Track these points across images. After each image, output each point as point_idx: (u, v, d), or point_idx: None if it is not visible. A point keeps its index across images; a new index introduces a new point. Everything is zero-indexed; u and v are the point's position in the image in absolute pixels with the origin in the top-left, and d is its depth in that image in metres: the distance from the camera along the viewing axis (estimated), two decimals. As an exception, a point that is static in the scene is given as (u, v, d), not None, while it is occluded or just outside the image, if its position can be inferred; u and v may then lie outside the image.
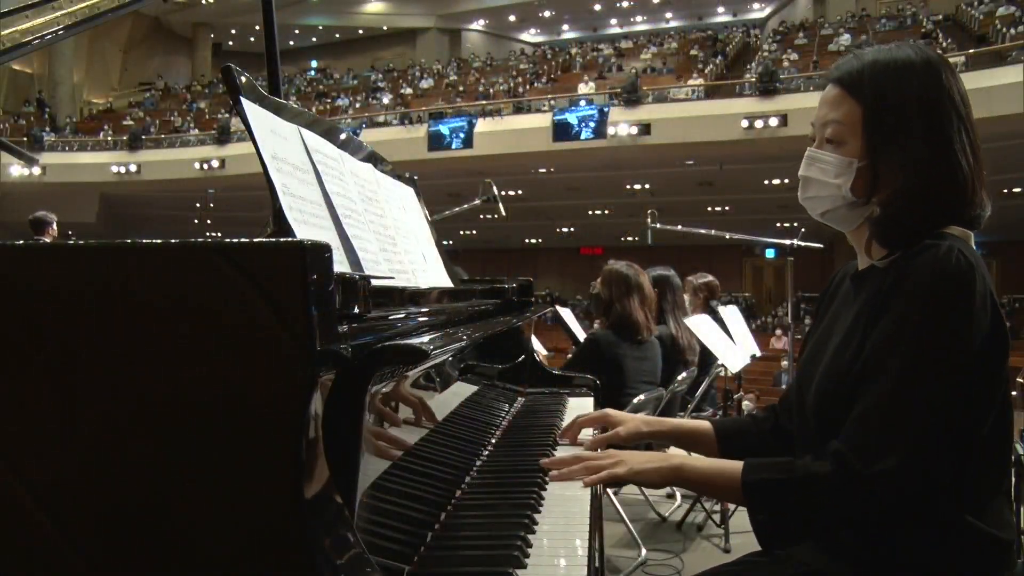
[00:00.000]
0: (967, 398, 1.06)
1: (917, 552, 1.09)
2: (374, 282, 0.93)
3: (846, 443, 1.06)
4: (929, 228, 1.14)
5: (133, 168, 19.33)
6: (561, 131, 16.12)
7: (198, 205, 20.45)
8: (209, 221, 22.03)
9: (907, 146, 1.14)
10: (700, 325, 3.81)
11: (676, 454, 1.27)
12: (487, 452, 1.50)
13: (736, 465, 1.17)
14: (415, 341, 0.87)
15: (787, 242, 4.62)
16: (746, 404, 4.03)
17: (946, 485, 1.07)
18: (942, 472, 1.05)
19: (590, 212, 20.42)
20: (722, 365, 3.88)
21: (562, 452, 1.47)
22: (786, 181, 14.42)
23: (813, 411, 1.20)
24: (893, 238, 1.17)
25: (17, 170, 17.98)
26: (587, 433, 1.59)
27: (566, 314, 5.05)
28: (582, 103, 16.99)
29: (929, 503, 1.07)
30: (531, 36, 32.35)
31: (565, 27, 31.79)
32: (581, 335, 4.72)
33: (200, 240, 0.69)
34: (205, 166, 18.43)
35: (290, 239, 0.73)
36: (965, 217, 1.16)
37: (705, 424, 1.49)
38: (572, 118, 16.19)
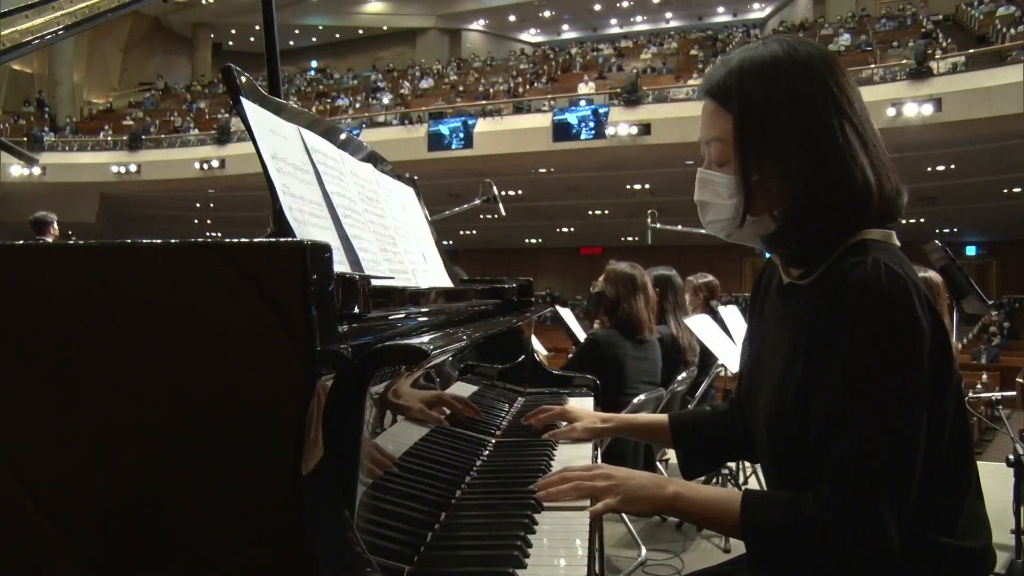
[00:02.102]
0: (929, 416, 1.01)
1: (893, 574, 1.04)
2: (374, 282, 0.93)
3: (836, 495, 0.99)
4: (837, 239, 1.07)
5: (133, 168, 19.33)
6: (561, 131, 16.12)
7: (198, 205, 20.47)
8: (209, 221, 22.04)
9: (784, 156, 1.05)
10: (700, 325, 3.81)
11: (673, 480, 1.19)
12: (487, 452, 1.50)
13: (735, 498, 1.08)
14: (415, 341, 0.87)
15: (787, 242, 4.60)
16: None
17: (916, 508, 1.02)
18: (926, 501, 1.02)
19: (590, 212, 20.42)
20: (722, 365, 3.88)
21: (556, 466, 1.46)
22: (786, 181, 14.38)
23: (765, 443, 1.16)
24: (800, 257, 1.11)
25: (17, 170, 17.98)
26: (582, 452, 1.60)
27: (566, 314, 5.05)
28: (582, 103, 16.99)
29: (914, 533, 1.03)
30: (531, 36, 32.35)
31: (565, 27, 31.80)
32: (581, 335, 4.71)
33: (200, 240, 0.69)
34: (205, 166, 18.43)
35: (290, 239, 0.73)
36: (872, 218, 1.08)
37: (662, 418, 1.48)
38: (572, 118, 16.19)
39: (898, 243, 1.10)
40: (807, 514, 1.01)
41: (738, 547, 3.40)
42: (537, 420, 1.63)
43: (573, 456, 1.52)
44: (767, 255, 1.28)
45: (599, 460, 1.52)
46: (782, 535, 1.04)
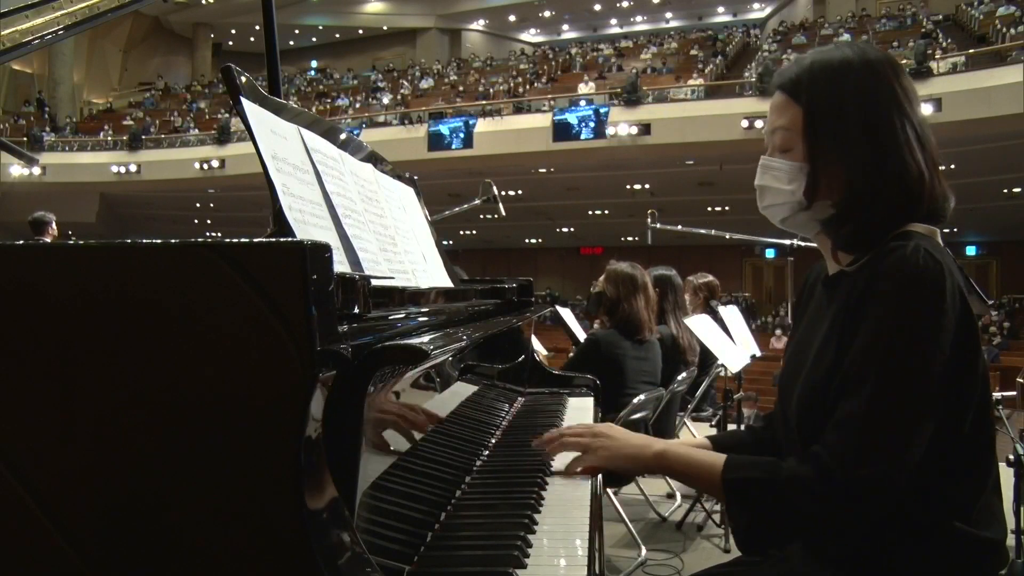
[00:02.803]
0: (945, 398, 1.05)
1: (907, 560, 1.08)
2: (374, 282, 0.93)
3: (826, 449, 1.06)
4: (888, 228, 1.13)
5: (133, 168, 19.32)
6: (561, 131, 16.11)
7: (198, 205, 20.47)
8: (209, 221, 22.04)
9: (848, 146, 1.14)
10: (700, 325, 3.81)
11: (661, 440, 1.28)
12: (487, 452, 1.50)
13: (719, 459, 1.17)
14: (415, 341, 0.87)
15: (787, 242, 4.62)
16: (746, 411, 4.03)
17: (929, 490, 1.07)
18: (923, 477, 1.05)
19: (590, 212, 20.41)
20: (722, 365, 3.88)
21: (556, 466, 1.46)
22: (786, 181, 14.35)
23: (795, 421, 1.19)
24: (854, 243, 1.17)
25: (17, 170, 17.97)
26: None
27: (566, 314, 5.05)
28: (582, 103, 16.98)
29: (911, 509, 1.06)
30: (531, 36, 32.34)
31: (565, 27, 31.79)
32: (581, 335, 4.71)
33: (199, 240, 0.69)
34: (205, 166, 18.42)
35: (290, 239, 0.73)
36: (922, 212, 1.14)
37: (703, 442, 1.49)
38: (572, 118, 16.18)
39: (941, 242, 1.15)
40: (785, 472, 1.08)
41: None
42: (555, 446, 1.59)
43: (572, 454, 1.52)
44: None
45: None
46: (758, 489, 1.11)
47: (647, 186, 17.67)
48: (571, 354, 3.89)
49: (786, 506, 1.09)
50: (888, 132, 1.13)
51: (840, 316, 1.13)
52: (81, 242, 0.71)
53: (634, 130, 15.45)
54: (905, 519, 1.07)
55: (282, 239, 0.72)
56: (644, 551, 3.28)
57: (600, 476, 1.43)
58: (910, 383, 1.04)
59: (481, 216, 16.98)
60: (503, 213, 4.38)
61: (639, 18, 30.65)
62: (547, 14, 30.13)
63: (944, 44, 15.84)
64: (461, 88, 21.89)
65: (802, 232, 1.27)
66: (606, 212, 20.18)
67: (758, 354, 4.50)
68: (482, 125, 17.04)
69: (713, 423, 4.47)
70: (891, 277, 1.06)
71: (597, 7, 29.47)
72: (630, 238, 19.67)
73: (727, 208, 18.45)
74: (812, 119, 1.17)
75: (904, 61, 14.39)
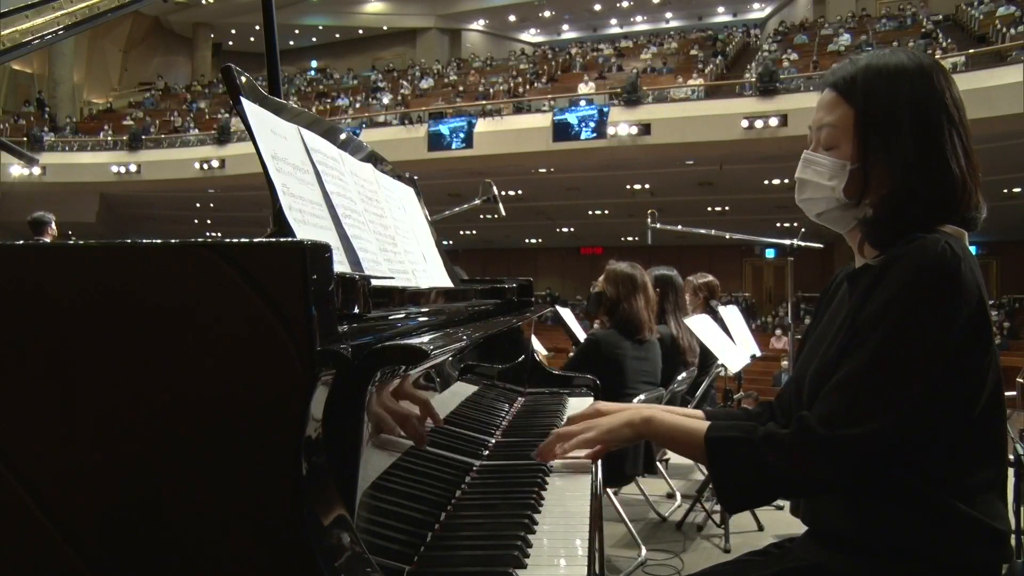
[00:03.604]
0: (949, 382, 1.07)
1: (912, 540, 1.09)
2: (374, 282, 0.93)
3: (813, 411, 1.10)
4: (920, 228, 1.15)
5: (133, 168, 19.32)
6: (561, 131, 16.11)
7: (198, 205, 20.46)
8: (209, 221, 22.04)
9: (897, 149, 1.16)
10: (700, 325, 3.81)
11: (650, 406, 1.32)
12: (487, 452, 1.50)
13: (703, 424, 1.21)
14: (415, 341, 0.87)
15: (787, 242, 4.62)
16: (745, 406, 4.03)
17: (941, 473, 1.09)
18: (934, 459, 1.08)
19: (590, 212, 20.41)
20: (722, 365, 3.88)
21: (556, 465, 1.47)
22: (786, 181, 14.39)
23: (806, 397, 1.21)
24: (884, 239, 1.18)
25: (17, 170, 17.97)
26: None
27: (566, 314, 5.04)
28: (582, 103, 16.98)
29: (920, 491, 1.08)
30: (531, 36, 32.34)
31: (565, 27, 31.78)
32: (581, 335, 4.71)
33: (199, 240, 0.69)
34: (205, 166, 18.42)
35: (290, 239, 0.73)
36: (957, 218, 1.17)
37: (696, 413, 1.49)
38: (572, 118, 16.17)
39: (967, 243, 1.17)
40: (762, 430, 1.13)
41: (738, 547, 3.40)
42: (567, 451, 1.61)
43: (571, 455, 1.52)
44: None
45: (599, 462, 1.51)
46: (735, 446, 1.15)
47: (647, 186, 17.67)
48: (571, 354, 3.89)
49: (759, 462, 1.12)
50: (937, 139, 1.15)
51: (857, 303, 1.15)
52: (81, 242, 0.71)
53: (634, 130, 15.45)
54: (914, 501, 1.09)
55: (282, 239, 0.72)
56: (644, 551, 3.28)
57: (600, 476, 1.44)
58: (905, 354, 1.06)
59: (481, 216, 16.99)
60: (503, 213, 4.38)
61: (639, 18, 30.65)
62: (547, 14, 30.13)
63: (944, 44, 15.84)
64: (461, 88, 21.88)
65: (835, 227, 1.29)
66: (606, 212, 20.18)
67: (758, 354, 4.50)
68: (482, 125, 17.03)
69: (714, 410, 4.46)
70: (908, 260, 1.09)
71: (597, 7, 29.46)
72: (630, 238, 19.68)
73: (727, 208, 18.46)
74: (865, 120, 1.19)
75: (904, 61, 14.41)
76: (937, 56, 14.05)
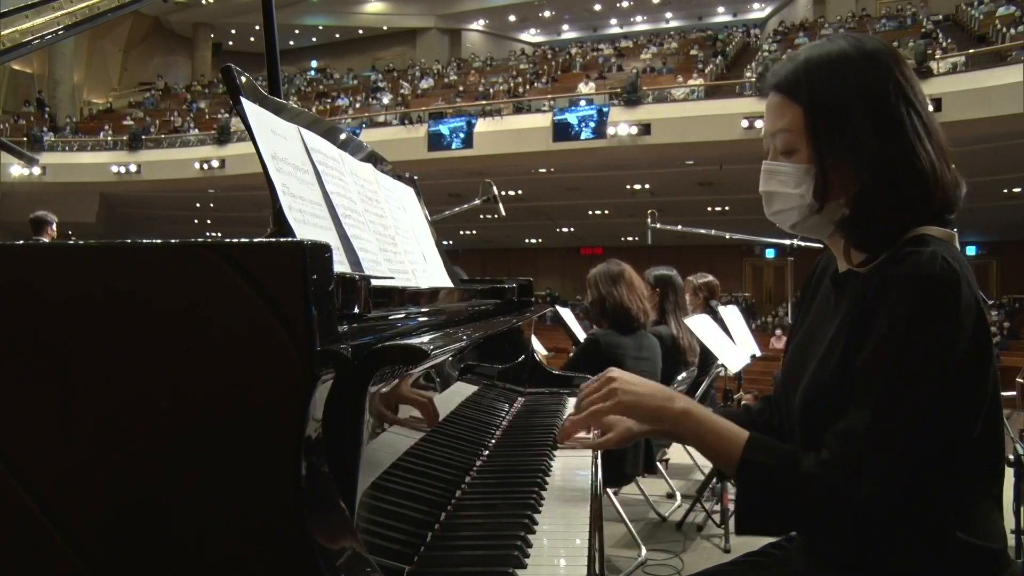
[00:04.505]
0: (952, 409, 1.03)
1: (907, 564, 1.07)
2: (374, 282, 0.93)
3: (832, 457, 1.04)
4: (903, 225, 1.11)
5: (133, 168, 19.32)
6: (561, 131, 16.11)
7: (198, 205, 20.46)
8: (209, 221, 22.03)
9: (856, 142, 1.10)
10: (700, 325, 3.81)
11: (682, 396, 1.21)
12: (487, 452, 1.50)
13: (740, 434, 1.12)
14: (415, 341, 0.87)
15: (787, 242, 4.62)
16: (746, 403, 4.03)
17: (934, 499, 1.05)
18: (928, 486, 1.04)
19: (590, 212, 20.41)
20: (722, 365, 3.88)
21: (556, 465, 1.46)
22: (786, 181, 14.33)
23: (798, 418, 1.17)
24: (868, 241, 1.13)
25: (17, 170, 17.97)
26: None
27: (566, 314, 5.04)
28: (582, 103, 16.98)
29: (914, 517, 1.05)
30: (531, 36, 32.34)
31: (565, 27, 31.78)
32: (581, 335, 4.71)
33: (199, 240, 0.69)
34: (205, 166, 18.42)
35: (290, 239, 0.73)
36: (936, 205, 1.11)
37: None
38: (572, 118, 16.18)
39: (958, 245, 1.12)
40: (802, 467, 1.05)
41: (739, 547, 3.40)
42: (569, 435, 1.59)
43: (571, 454, 1.52)
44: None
45: (599, 462, 1.51)
46: (772, 478, 1.08)
47: (647, 186, 17.68)
48: (571, 354, 3.89)
49: (788, 499, 1.07)
50: (896, 124, 1.10)
51: (850, 318, 1.10)
52: (81, 242, 0.71)
53: (634, 130, 15.45)
54: (907, 527, 1.06)
55: (282, 239, 0.72)
56: (644, 551, 3.28)
57: (600, 476, 1.44)
58: (915, 394, 1.01)
59: (481, 216, 16.98)
60: (503, 213, 4.38)
61: (639, 18, 30.65)
62: (547, 14, 30.13)
63: (944, 44, 15.83)
64: (461, 88, 21.89)
65: (814, 235, 1.23)
66: (606, 212, 20.18)
67: (758, 354, 4.50)
68: (482, 125, 17.04)
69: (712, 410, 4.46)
70: (906, 283, 1.03)
71: (597, 7, 29.46)
72: (630, 238, 19.68)
73: (727, 208, 18.45)
74: (814, 117, 1.13)
75: (904, 61, 14.42)
76: (937, 56, 14.07)
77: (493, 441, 1.58)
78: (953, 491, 1.06)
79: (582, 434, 1.59)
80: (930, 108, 1.15)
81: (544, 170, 17.25)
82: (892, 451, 1.01)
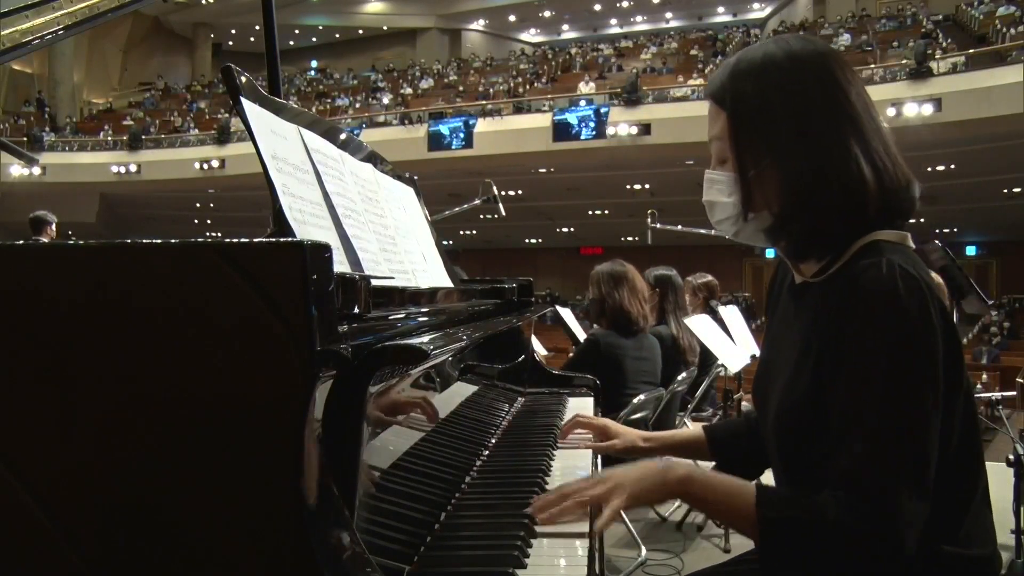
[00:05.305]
0: (944, 418, 1.00)
1: None
2: (374, 282, 0.93)
3: (855, 499, 0.98)
4: (841, 232, 1.07)
5: (133, 168, 19.31)
6: (561, 131, 16.11)
7: (198, 205, 20.46)
8: (209, 221, 22.03)
9: (778, 149, 1.07)
10: (700, 325, 3.81)
11: (676, 461, 1.13)
12: (487, 452, 1.50)
13: (747, 489, 1.05)
14: (415, 341, 0.87)
15: (787, 242, 4.60)
16: (745, 405, 4.03)
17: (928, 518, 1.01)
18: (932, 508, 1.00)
19: (590, 212, 20.41)
20: (722, 365, 3.88)
21: (556, 465, 1.46)
22: (786, 181, 14.34)
23: (773, 440, 1.16)
24: (801, 251, 1.10)
25: (17, 170, 17.97)
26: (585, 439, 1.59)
27: (566, 314, 5.05)
28: (582, 103, 16.98)
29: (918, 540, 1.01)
30: (531, 36, 32.33)
31: (565, 27, 31.78)
32: (581, 335, 4.71)
33: (199, 240, 0.69)
34: (205, 166, 18.42)
35: (290, 239, 0.73)
36: (874, 209, 1.06)
37: (700, 433, 1.46)
38: (572, 118, 16.18)
39: (913, 245, 1.09)
40: (828, 515, 0.98)
41: (738, 547, 3.39)
42: (574, 425, 1.59)
43: (571, 455, 1.53)
44: (769, 253, 1.27)
45: (599, 464, 1.51)
46: (801, 534, 1.01)
47: (647, 186, 17.67)
48: (571, 354, 3.89)
49: (825, 551, 1.00)
50: (819, 132, 1.05)
51: (813, 335, 1.06)
52: (81, 242, 0.71)
53: (634, 130, 15.45)
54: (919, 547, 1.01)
55: (282, 239, 0.72)
56: (644, 551, 3.28)
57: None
58: (912, 416, 0.98)
59: (481, 216, 16.98)
60: (503, 213, 4.38)
61: (639, 18, 30.64)
62: (547, 14, 30.12)
63: (944, 44, 15.83)
64: (461, 88, 21.88)
65: (756, 244, 1.19)
66: (606, 212, 20.18)
67: (758, 354, 4.49)
68: (482, 125, 17.04)
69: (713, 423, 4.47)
70: (870, 305, 0.99)
71: (597, 7, 29.46)
72: (630, 238, 19.67)
73: (727, 208, 18.41)
74: (736, 124, 1.10)
75: (904, 61, 14.42)
76: (937, 56, 14.07)
77: (493, 441, 1.58)
78: (937, 506, 1.01)
79: (582, 433, 1.60)
80: (873, 111, 1.09)
81: (544, 170, 17.25)
82: (908, 476, 0.97)
